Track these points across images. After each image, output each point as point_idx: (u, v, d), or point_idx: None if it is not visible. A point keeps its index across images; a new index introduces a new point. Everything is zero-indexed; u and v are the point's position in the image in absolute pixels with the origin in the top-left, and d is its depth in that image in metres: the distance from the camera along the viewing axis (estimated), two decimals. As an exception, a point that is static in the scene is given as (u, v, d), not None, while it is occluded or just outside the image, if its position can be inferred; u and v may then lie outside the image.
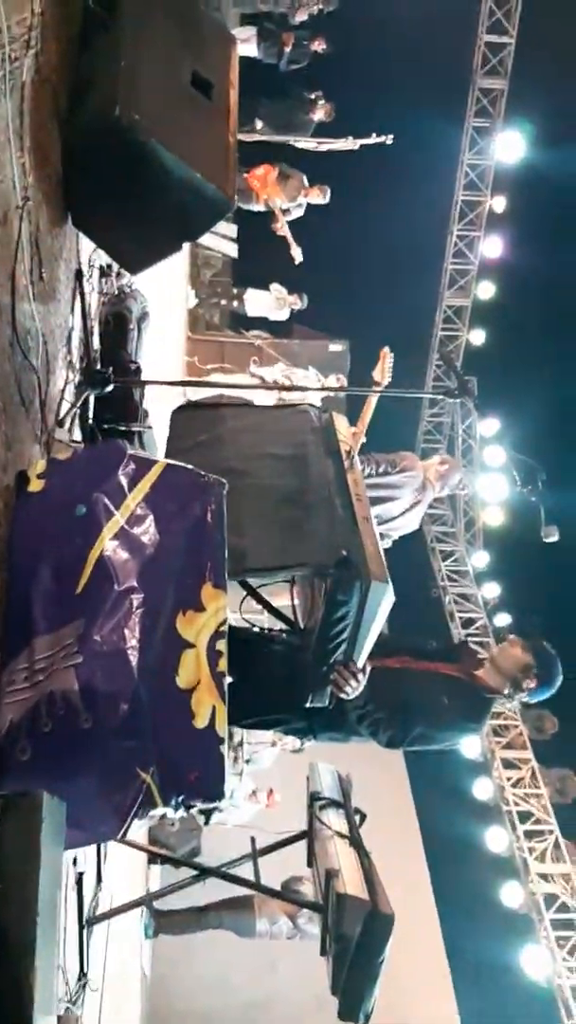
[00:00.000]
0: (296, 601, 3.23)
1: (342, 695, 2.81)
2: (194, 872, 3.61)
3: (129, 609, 1.94)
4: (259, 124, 9.22)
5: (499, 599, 13.52)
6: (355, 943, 2.83)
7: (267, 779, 8.01)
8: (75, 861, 3.00)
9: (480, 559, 13.97)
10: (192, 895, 6.20)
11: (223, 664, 2.05)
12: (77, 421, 2.92)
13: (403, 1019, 7.46)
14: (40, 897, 1.51)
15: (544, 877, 11.04)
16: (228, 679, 2.08)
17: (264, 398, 5.77)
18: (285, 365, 8.44)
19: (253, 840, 3.63)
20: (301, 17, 9.59)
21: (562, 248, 11.87)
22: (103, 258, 3.20)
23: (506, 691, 3.21)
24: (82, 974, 3.14)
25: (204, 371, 8.93)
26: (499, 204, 12.75)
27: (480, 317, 13.52)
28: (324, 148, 9.63)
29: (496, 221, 12.96)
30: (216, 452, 2.89)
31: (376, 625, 2.75)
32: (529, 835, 11.40)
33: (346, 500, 2.85)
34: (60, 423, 2.70)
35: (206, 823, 6.94)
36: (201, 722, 1.97)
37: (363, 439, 3.15)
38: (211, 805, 2.02)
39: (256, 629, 3.36)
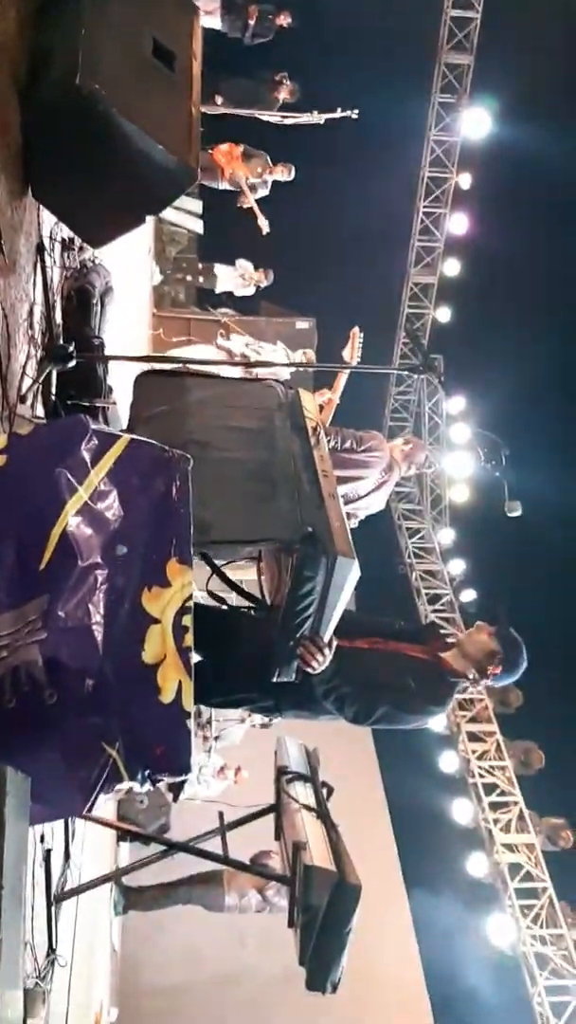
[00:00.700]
0: (262, 577, 3.24)
1: (309, 669, 2.83)
2: (163, 848, 3.63)
3: (93, 585, 1.93)
4: (219, 100, 9.11)
5: (465, 575, 13.65)
6: (322, 914, 2.87)
7: (236, 755, 8.06)
8: (42, 838, 3.00)
9: (446, 536, 14.08)
10: (162, 872, 6.25)
11: (189, 639, 2.05)
12: (40, 397, 2.89)
13: (370, 988, 7.59)
14: (5, 872, 1.51)
15: (509, 848, 11.25)
16: (195, 656, 2.09)
17: (230, 373, 5.75)
18: (252, 341, 8.40)
19: (221, 815, 3.65)
20: (266, -10, 9.49)
21: (527, 225, 11.91)
22: (65, 231, 3.15)
23: (471, 675, 3.26)
24: (51, 950, 3.15)
25: (170, 343, 8.87)
26: (465, 181, 12.74)
27: (446, 295, 13.54)
28: (289, 122, 9.55)
29: (462, 198, 12.96)
30: (181, 423, 2.86)
31: (342, 600, 2.76)
32: (494, 806, 11.59)
33: (312, 476, 2.85)
34: (22, 399, 2.67)
35: (175, 800, 6.97)
36: (167, 697, 1.97)
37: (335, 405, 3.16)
38: (178, 779, 2.02)
39: (224, 607, 3.37)
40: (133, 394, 3.02)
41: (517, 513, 3.48)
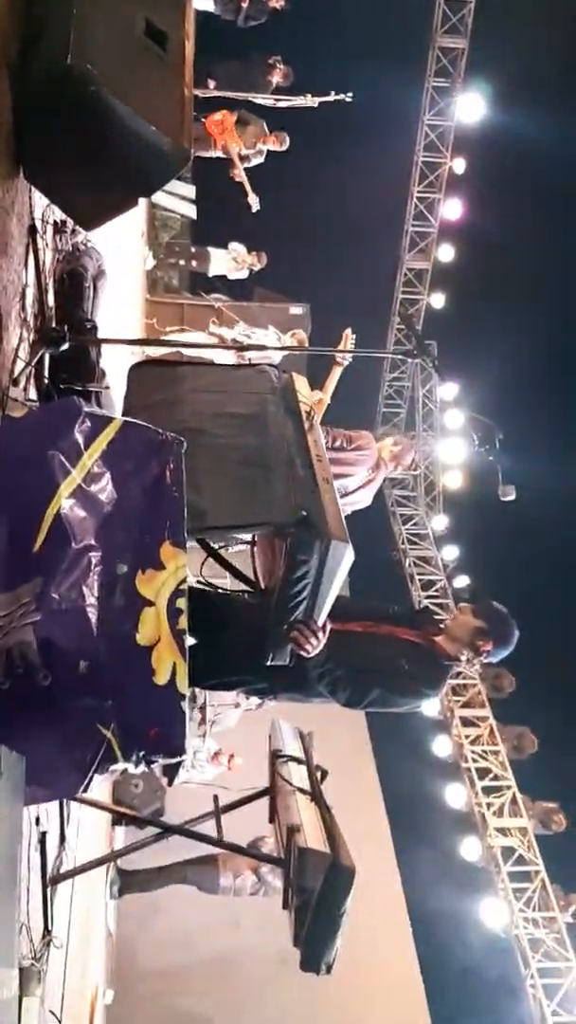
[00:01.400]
0: (257, 562, 3.24)
1: (302, 653, 2.83)
2: (158, 831, 3.64)
3: (87, 567, 1.94)
4: (212, 83, 9.04)
5: (458, 561, 13.68)
6: (317, 895, 2.88)
7: (230, 739, 8.08)
8: (37, 820, 3.00)
9: (439, 522, 14.10)
10: (157, 857, 6.27)
11: (183, 622, 2.05)
12: (32, 380, 2.87)
13: (364, 970, 7.64)
14: None
15: (502, 831, 11.32)
16: (190, 639, 2.09)
17: (224, 358, 5.75)
18: (245, 325, 8.38)
19: (216, 798, 3.67)
20: (260, -27, 9.39)
21: (522, 210, 11.88)
22: (57, 214, 3.13)
23: (464, 657, 3.27)
24: (47, 932, 3.16)
25: (163, 333, 8.84)
26: (459, 166, 12.68)
27: (441, 280, 13.50)
28: (283, 105, 9.48)
29: (456, 183, 12.91)
30: (174, 411, 2.86)
31: (336, 584, 2.77)
32: (487, 791, 11.66)
33: (306, 460, 2.86)
34: (15, 382, 2.65)
35: (170, 784, 6.99)
36: (161, 679, 1.98)
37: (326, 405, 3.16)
38: (172, 760, 2.03)
39: (218, 591, 3.37)
40: (127, 385, 3.02)
41: (511, 497, 3.48)
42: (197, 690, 6.95)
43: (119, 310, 5.83)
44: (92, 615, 1.90)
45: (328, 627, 2.87)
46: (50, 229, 3.13)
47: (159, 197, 9.97)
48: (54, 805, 3.27)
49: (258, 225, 9.65)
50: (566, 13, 10.97)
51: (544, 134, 11.21)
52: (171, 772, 4.25)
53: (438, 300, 13.49)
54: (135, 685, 1.94)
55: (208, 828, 3.57)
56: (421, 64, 12.38)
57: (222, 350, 6.66)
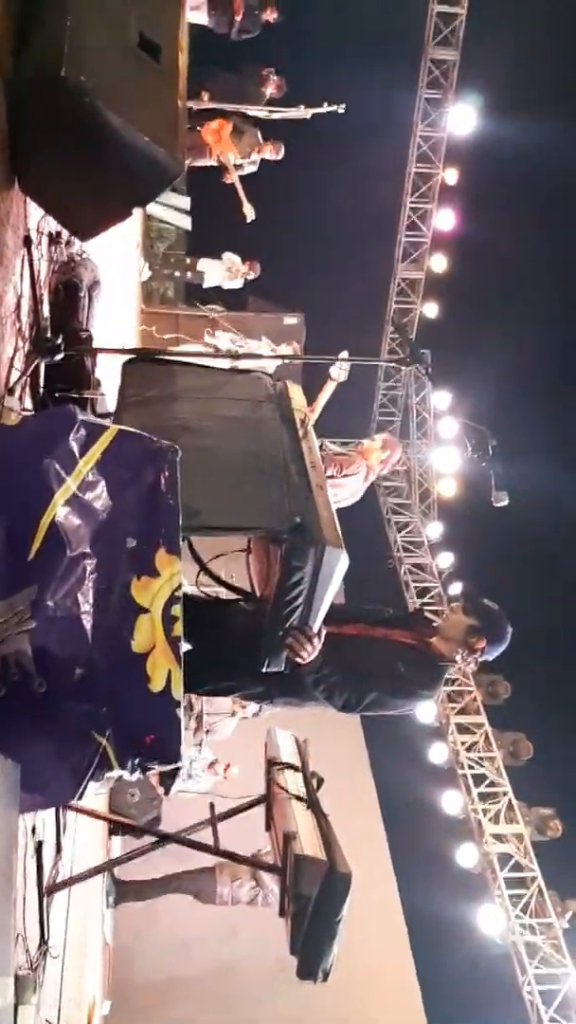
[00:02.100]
0: (252, 568, 3.25)
1: (298, 659, 2.84)
2: (154, 839, 3.64)
3: (82, 575, 1.95)
4: (205, 96, 9.08)
5: (453, 568, 13.69)
6: (313, 902, 2.88)
7: (227, 747, 8.07)
8: (33, 830, 3.00)
9: (434, 529, 14.12)
10: (153, 867, 6.25)
11: (178, 629, 2.06)
12: (28, 390, 2.89)
13: (361, 978, 7.62)
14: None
15: (498, 838, 11.30)
16: (185, 645, 2.10)
17: (218, 366, 5.78)
18: (236, 335, 8.40)
19: (212, 806, 3.66)
20: (252, -14, 9.43)
21: (514, 221, 11.94)
22: (53, 225, 3.15)
23: (458, 656, 3.27)
24: (43, 942, 3.16)
25: (163, 340, 8.85)
26: (451, 176, 12.74)
27: (433, 290, 13.55)
28: (276, 117, 9.52)
29: (449, 193, 12.97)
30: (169, 408, 2.86)
31: (331, 590, 2.78)
32: (483, 797, 11.64)
33: (301, 467, 2.86)
34: (10, 391, 2.67)
35: (166, 793, 6.98)
36: (157, 686, 1.98)
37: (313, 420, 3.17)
38: (168, 768, 2.04)
39: (213, 598, 3.37)
40: (121, 379, 3.01)
41: (504, 503, 3.51)
42: (193, 699, 6.95)
43: (114, 321, 5.85)
44: (87, 623, 1.91)
45: (323, 633, 2.88)
46: (45, 240, 3.15)
47: (154, 208, 10.02)
48: (50, 814, 3.27)
49: (252, 235, 9.68)
50: (556, 27, 11.05)
51: (535, 145, 11.28)
52: (167, 781, 4.24)
53: (431, 309, 13.53)
54: (130, 692, 1.94)
55: (205, 837, 3.57)
56: (414, 76, 12.44)
57: (216, 357, 6.68)
